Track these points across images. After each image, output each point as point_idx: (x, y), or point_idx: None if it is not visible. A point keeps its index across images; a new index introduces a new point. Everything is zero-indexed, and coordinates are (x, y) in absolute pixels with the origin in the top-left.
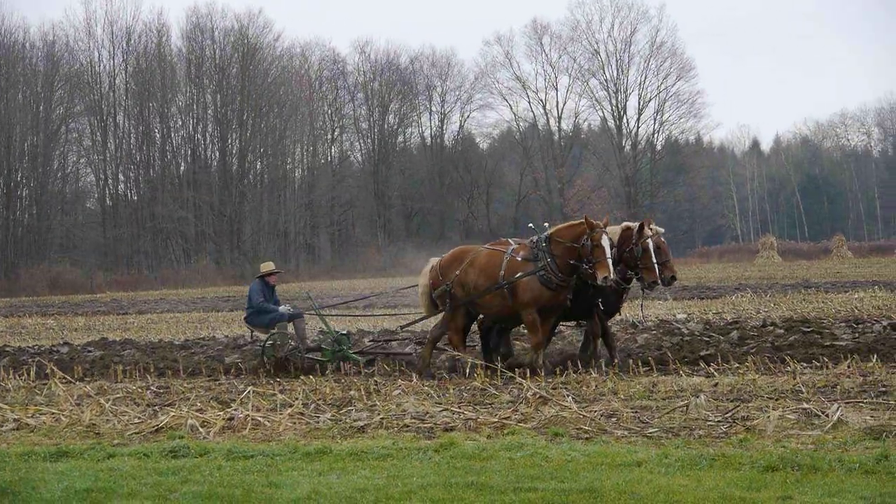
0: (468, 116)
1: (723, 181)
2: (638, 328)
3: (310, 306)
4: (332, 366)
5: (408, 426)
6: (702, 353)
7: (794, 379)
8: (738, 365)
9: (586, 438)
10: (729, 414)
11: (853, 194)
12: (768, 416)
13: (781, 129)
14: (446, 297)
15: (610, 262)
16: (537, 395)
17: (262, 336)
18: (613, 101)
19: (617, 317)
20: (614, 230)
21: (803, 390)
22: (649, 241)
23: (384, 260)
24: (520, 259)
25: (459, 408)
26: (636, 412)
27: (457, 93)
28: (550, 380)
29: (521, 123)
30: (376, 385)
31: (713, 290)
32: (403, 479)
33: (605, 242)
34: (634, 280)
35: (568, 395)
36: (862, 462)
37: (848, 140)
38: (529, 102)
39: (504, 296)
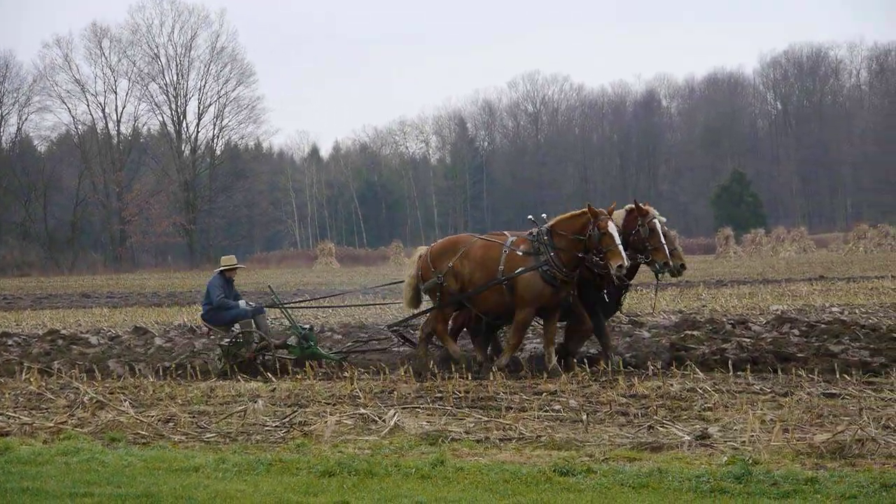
0: (26, 119)
1: (282, 187)
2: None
3: (270, 301)
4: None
5: None
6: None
7: (352, 384)
8: (296, 370)
9: (144, 443)
10: (287, 419)
11: (411, 201)
12: (326, 422)
13: (340, 136)
14: (437, 291)
15: (621, 249)
16: (94, 400)
17: (222, 334)
18: (173, 106)
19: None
20: (619, 213)
21: (361, 396)
22: (655, 220)
23: None
24: (520, 253)
25: (15, 412)
26: (194, 417)
27: (15, 95)
28: (108, 384)
29: (79, 127)
30: None
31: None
32: None
33: (613, 229)
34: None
35: (125, 400)
36: (418, 467)
37: (406, 147)
38: (88, 106)
39: (502, 292)
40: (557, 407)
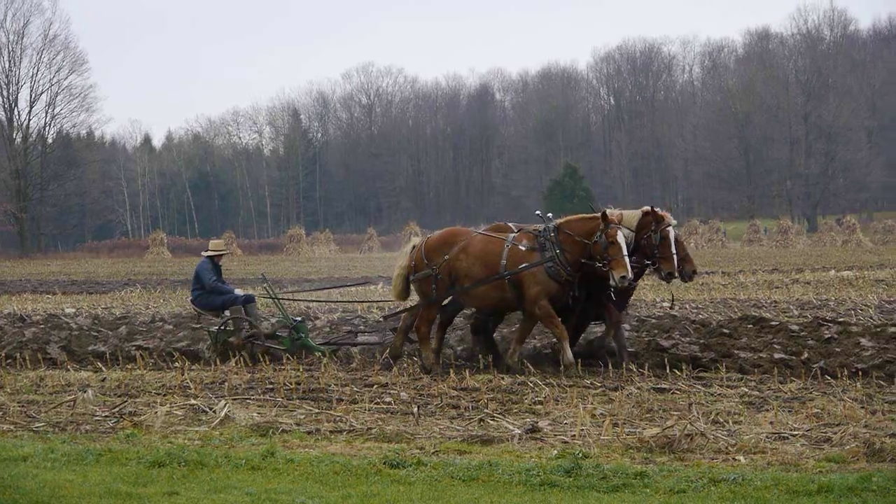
0: None
1: (114, 176)
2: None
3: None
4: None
5: None
6: (90, 348)
7: (183, 375)
8: (127, 360)
9: None
10: (117, 409)
11: (244, 192)
12: (156, 412)
13: (173, 125)
14: (431, 284)
15: (627, 260)
16: None
17: (214, 319)
18: (5, 93)
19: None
20: (634, 214)
21: (191, 386)
22: (670, 229)
23: None
24: (524, 248)
25: None
26: (23, 406)
27: None
28: None
29: None
30: None
31: (102, 285)
32: None
33: (622, 239)
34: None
35: None
36: (248, 458)
37: (240, 138)
38: None
39: (503, 287)
40: (388, 399)
